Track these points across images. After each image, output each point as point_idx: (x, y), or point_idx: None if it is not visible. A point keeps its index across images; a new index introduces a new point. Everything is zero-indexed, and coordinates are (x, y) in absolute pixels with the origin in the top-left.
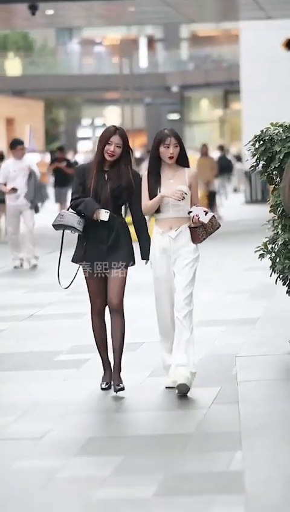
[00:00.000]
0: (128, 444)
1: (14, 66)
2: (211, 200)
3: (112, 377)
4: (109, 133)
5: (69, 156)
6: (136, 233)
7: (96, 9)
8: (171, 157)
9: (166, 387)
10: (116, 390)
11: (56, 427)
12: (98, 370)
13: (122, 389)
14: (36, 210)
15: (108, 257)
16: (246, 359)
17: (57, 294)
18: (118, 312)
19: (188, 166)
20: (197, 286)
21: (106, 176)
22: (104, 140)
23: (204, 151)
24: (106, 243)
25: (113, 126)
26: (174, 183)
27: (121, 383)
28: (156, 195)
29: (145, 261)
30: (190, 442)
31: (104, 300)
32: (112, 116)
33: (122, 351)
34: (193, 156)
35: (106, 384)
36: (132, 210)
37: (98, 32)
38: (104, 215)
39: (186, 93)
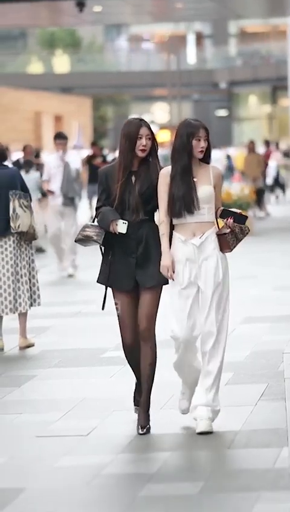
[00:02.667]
0: (174, 441)
1: (62, 63)
2: (259, 196)
3: (139, 416)
4: (136, 126)
5: (116, 153)
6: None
7: (144, 6)
8: (201, 152)
9: (198, 433)
10: (141, 433)
11: (102, 424)
12: None
13: (148, 431)
14: (74, 206)
15: (137, 272)
16: None
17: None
18: (148, 340)
19: (209, 162)
20: (243, 283)
21: (133, 178)
22: (133, 135)
23: (251, 147)
24: (135, 254)
25: (136, 118)
26: (199, 182)
27: (148, 424)
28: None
29: None
30: (237, 439)
31: (135, 330)
32: (160, 112)
33: (151, 385)
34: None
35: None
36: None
37: (146, 28)
38: (121, 226)
39: (234, 89)
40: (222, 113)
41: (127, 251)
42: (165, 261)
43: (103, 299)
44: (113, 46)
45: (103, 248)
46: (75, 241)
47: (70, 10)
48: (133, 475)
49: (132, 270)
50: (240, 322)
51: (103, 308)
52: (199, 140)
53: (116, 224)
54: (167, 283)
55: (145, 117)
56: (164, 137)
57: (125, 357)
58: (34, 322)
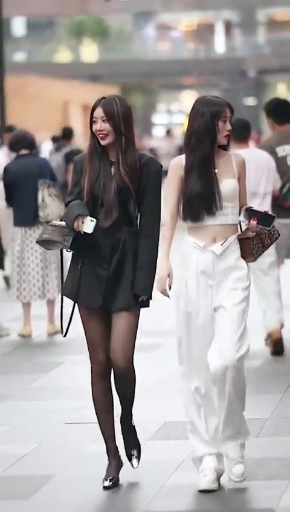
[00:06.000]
0: None
1: (90, 52)
2: None
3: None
4: (93, 107)
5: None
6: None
7: None
8: (227, 136)
9: (200, 491)
10: (135, 467)
11: None
12: (171, 354)
13: (138, 456)
14: None
15: (107, 289)
16: None
17: None
18: (125, 373)
19: (228, 149)
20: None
21: (112, 170)
22: (90, 118)
23: None
24: (107, 265)
25: (103, 97)
26: (220, 174)
27: (137, 451)
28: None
29: (140, 297)
30: (266, 427)
31: (109, 354)
32: (189, 101)
33: (131, 405)
34: None
35: (110, 481)
36: (140, 217)
37: (174, 17)
38: (88, 225)
39: (262, 78)
40: (250, 101)
41: (99, 261)
42: (161, 272)
43: (68, 320)
44: (141, 35)
45: (72, 253)
46: (37, 242)
47: None
48: (161, 462)
49: (102, 285)
50: None
51: (65, 335)
52: (225, 122)
53: (83, 222)
54: (145, 305)
55: (174, 105)
56: None
57: (92, 393)
58: None
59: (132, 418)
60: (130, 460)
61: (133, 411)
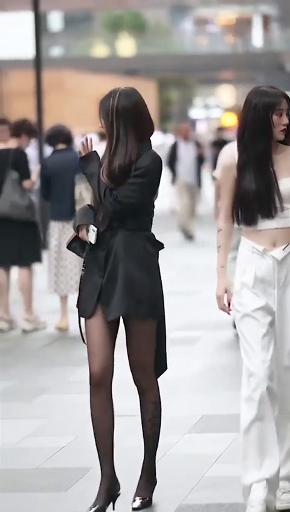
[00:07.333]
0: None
1: (127, 46)
2: None
3: (138, 484)
4: None
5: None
6: None
7: None
8: (283, 131)
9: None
10: (135, 507)
11: (168, 405)
12: (210, 347)
13: (147, 505)
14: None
15: (102, 297)
16: None
17: (170, 273)
18: (147, 391)
19: (289, 143)
20: None
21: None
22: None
23: None
24: (102, 272)
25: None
26: (278, 172)
27: (148, 496)
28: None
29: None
30: None
31: (108, 364)
32: (225, 96)
33: (154, 448)
34: None
35: (93, 507)
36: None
37: (211, 11)
38: (91, 235)
39: None
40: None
41: (96, 268)
42: (218, 290)
43: (80, 331)
44: (178, 29)
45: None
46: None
47: None
48: (199, 456)
49: (95, 293)
50: None
51: (83, 341)
52: (281, 115)
53: (87, 231)
54: (144, 315)
55: (211, 100)
56: (229, 121)
57: (90, 408)
58: None
59: (155, 459)
60: (133, 501)
61: (171, 404)
